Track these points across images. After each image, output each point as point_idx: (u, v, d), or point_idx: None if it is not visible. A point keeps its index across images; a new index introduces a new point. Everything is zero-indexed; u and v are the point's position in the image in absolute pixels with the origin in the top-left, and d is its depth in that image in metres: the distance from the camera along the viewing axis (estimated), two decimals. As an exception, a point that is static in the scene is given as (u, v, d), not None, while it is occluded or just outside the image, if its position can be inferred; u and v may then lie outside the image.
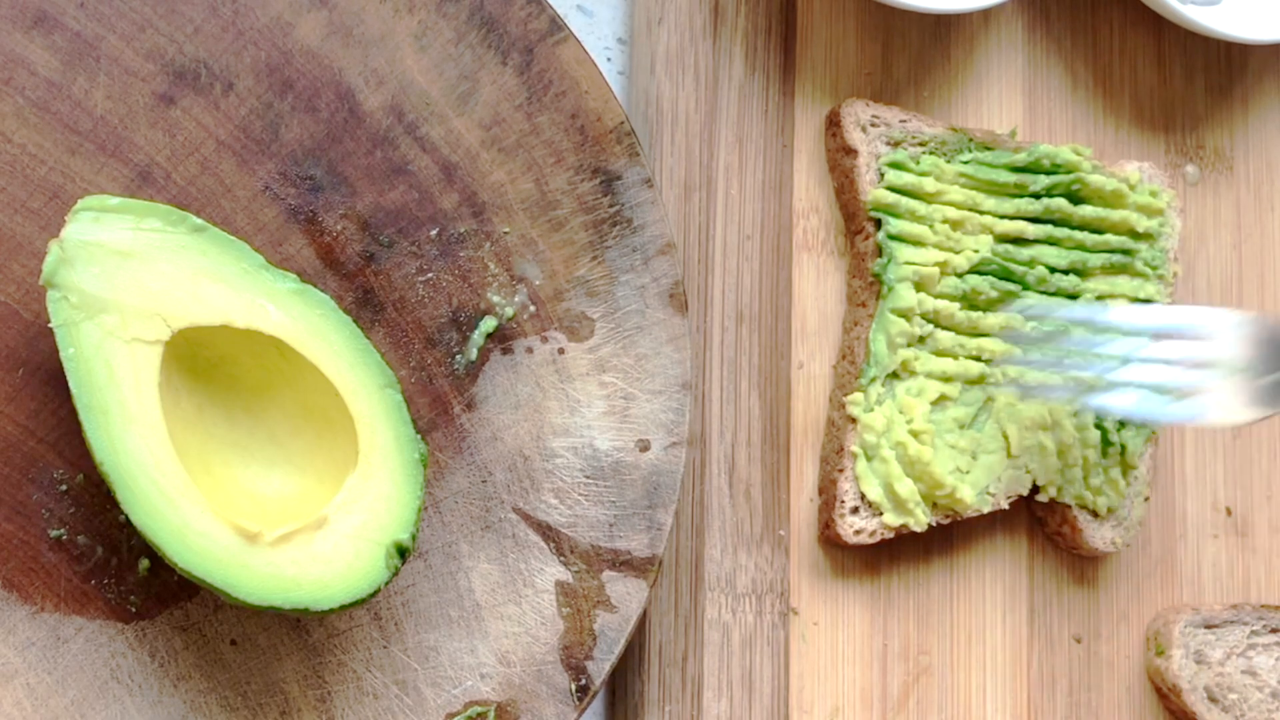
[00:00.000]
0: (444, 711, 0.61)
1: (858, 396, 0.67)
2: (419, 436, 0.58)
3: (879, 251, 0.69)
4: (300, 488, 0.58)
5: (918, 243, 0.69)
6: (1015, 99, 0.75)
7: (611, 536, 0.63)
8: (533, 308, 0.64)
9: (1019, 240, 0.70)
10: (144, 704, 0.59)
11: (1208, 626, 0.71)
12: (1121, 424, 0.71)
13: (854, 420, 0.67)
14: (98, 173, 0.60)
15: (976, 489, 0.68)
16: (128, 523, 0.58)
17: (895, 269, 0.68)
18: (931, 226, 0.69)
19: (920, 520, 0.67)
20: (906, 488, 0.67)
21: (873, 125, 0.70)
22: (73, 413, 0.55)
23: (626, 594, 0.63)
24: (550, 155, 0.64)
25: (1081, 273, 0.71)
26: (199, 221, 0.57)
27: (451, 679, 0.61)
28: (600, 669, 0.62)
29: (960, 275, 0.69)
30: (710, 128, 0.69)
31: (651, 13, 0.70)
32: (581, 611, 0.63)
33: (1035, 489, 0.70)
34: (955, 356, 0.69)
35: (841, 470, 0.67)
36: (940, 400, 0.68)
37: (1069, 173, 0.70)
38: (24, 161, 0.59)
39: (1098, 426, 0.70)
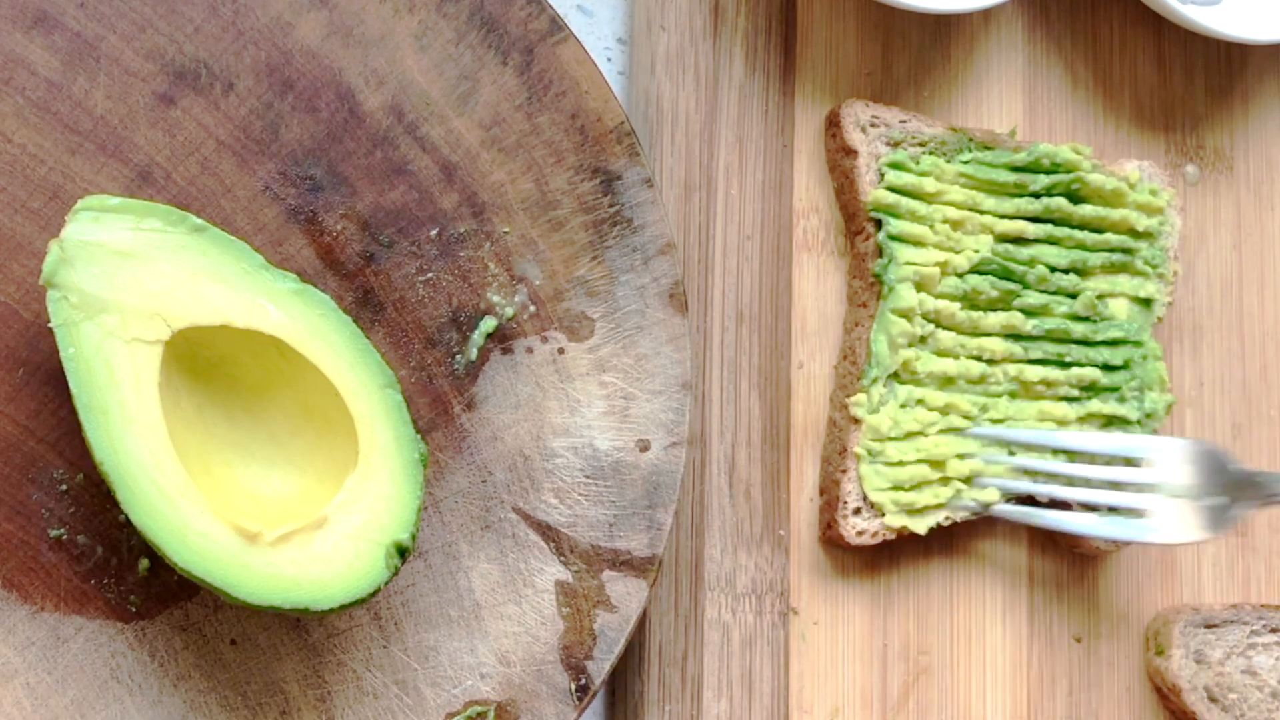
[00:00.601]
0: (444, 711, 0.61)
1: (860, 398, 0.67)
2: (419, 436, 0.58)
3: (879, 252, 0.69)
4: (300, 488, 0.58)
5: (918, 243, 0.69)
6: (1015, 99, 0.75)
7: (611, 536, 0.63)
8: (533, 308, 0.64)
9: (1019, 240, 0.70)
10: (144, 704, 0.58)
11: (1208, 626, 0.71)
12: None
13: (856, 421, 0.67)
14: (98, 173, 0.60)
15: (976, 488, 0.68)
16: (128, 523, 0.58)
17: (896, 269, 0.68)
18: (932, 226, 0.69)
19: (922, 521, 0.67)
20: (909, 488, 0.67)
21: (872, 125, 0.70)
22: (73, 413, 0.55)
23: (626, 594, 0.63)
24: (550, 155, 0.64)
25: (1082, 272, 0.71)
26: (199, 221, 0.57)
27: (451, 679, 0.61)
28: (600, 669, 0.62)
29: (961, 275, 0.69)
30: (710, 128, 0.69)
31: (651, 13, 0.70)
32: (581, 611, 0.63)
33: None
34: (956, 356, 0.69)
35: (844, 471, 0.67)
36: (941, 403, 0.68)
37: (1069, 172, 0.70)
38: (24, 161, 0.59)
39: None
